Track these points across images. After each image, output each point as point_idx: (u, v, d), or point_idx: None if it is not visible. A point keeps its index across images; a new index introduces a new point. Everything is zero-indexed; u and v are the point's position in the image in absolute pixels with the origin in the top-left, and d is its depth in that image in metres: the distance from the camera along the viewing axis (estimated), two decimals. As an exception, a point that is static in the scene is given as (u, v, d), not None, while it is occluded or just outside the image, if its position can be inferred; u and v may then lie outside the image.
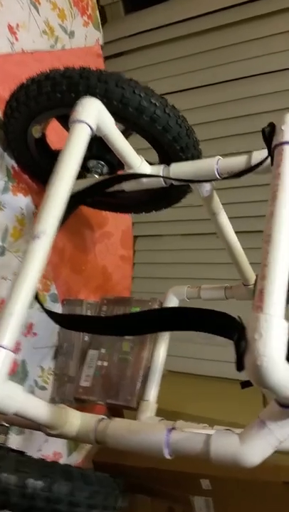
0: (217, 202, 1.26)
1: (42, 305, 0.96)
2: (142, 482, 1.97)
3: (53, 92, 1.14)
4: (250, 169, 1.04)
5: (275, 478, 1.75)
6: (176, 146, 1.22)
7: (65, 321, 1.02)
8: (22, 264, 0.86)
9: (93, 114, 1.03)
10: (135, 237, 2.39)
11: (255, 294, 0.67)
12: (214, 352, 2.09)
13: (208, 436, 0.75)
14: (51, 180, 0.94)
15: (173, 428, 0.79)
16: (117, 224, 2.04)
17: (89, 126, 1.01)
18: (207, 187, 1.20)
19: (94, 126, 1.03)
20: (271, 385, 0.61)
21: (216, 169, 1.13)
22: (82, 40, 1.73)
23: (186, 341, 2.20)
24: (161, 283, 1.87)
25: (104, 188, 1.27)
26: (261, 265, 0.69)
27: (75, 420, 0.88)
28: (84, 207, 1.72)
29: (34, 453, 1.54)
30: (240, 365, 0.63)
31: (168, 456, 0.77)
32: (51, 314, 0.93)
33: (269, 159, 0.93)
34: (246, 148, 1.14)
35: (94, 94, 1.09)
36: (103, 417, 0.88)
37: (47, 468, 0.92)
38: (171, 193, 1.42)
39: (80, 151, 0.99)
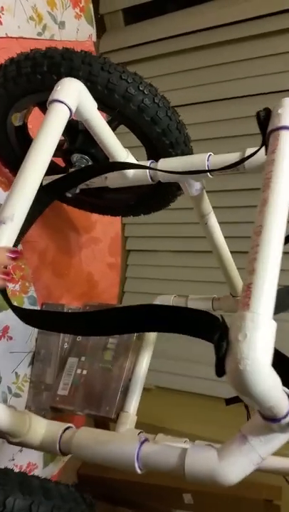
0: (207, 203, 1.18)
1: (4, 297, 0.87)
2: (126, 495, 1.91)
3: (33, 74, 1.06)
4: (242, 160, 0.95)
5: (257, 496, 1.70)
6: (165, 141, 1.14)
7: (28, 317, 0.91)
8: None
9: (73, 94, 0.95)
10: (128, 251, 2.35)
11: (242, 291, 0.59)
12: (203, 370, 2.05)
13: (184, 450, 0.68)
14: (23, 164, 0.86)
15: (145, 440, 0.72)
16: (105, 230, 1.96)
17: (68, 107, 0.93)
18: (197, 186, 1.12)
19: (73, 108, 0.94)
20: (254, 394, 0.52)
21: (207, 165, 1.04)
22: (74, 33, 1.66)
23: (175, 358, 2.15)
24: (152, 299, 1.82)
25: (82, 180, 1.17)
26: (249, 258, 0.60)
27: (39, 428, 0.81)
28: (71, 209, 1.64)
29: (5, 462, 1.45)
30: (220, 370, 0.55)
31: (138, 471, 0.70)
32: (14, 308, 0.83)
33: (263, 150, 0.84)
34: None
35: (77, 77, 1.01)
36: (70, 425, 0.81)
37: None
38: (160, 194, 1.34)
39: (56, 134, 0.91)
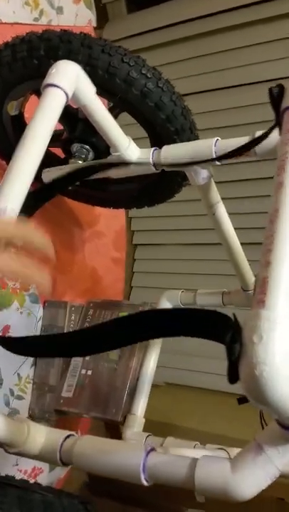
0: (215, 192, 1.11)
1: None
2: (138, 495, 1.86)
3: (30, 58, 1.00)
4: (253, 142, 0.88)
5: (269, 494, 1.65)
6: (169, 128, 1.08)
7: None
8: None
9: (69, 78, 0.88)
10: (135, 245, 2.29)
11: (256, 286, 0.52)
12: (214, 365, 1.99)
13: (194, 460, 0.62)
14: (16, 153, 0.80)
15: (152, 449, 0.66)
16: (109, 224, 1.90)
17: (64, 91, 0.86)
18: (204, 174, 1.05)
19: (69, 93, 0.87)
20: (271, 402, 0.46)
21: (214, 152, 0.98)
22: (72, 19, 1.59)
23: (185, 354, 2.09)
24: (159, 293, 1.77)
25: (84, 177, 1.12)
26: (263, 249, 0.54)
27: (39, 437, 0.75)
28: (73, 202, 1.58)
29: (9, 468, 1.39)
30: (233, 376, 0.49)
31: (145, 483, 0.64)
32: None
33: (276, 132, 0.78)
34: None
35: (76, 61, 0.94)
36: (71, 433, 0.75)
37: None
38: (165, 184, 1.27)
39: (52, 120, 0.84)
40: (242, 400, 1.22)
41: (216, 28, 2.01)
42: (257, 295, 0.50)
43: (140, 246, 2.35)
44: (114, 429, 1.87)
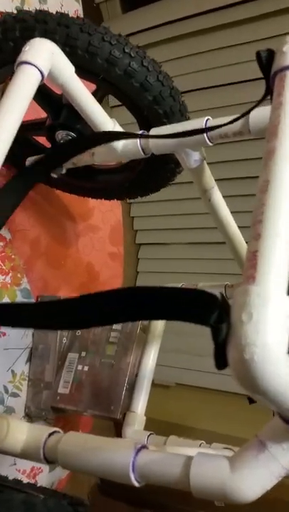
0: (209, 176, 1.06)
1: None
2: (152, 497, 1.82)
3: (4, 40, 0.95)
4: (245, 114, 0.83)
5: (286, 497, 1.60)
6: (158, 110, 1.03)
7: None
8: None
9: (43, 55, 0.83)
10: (138, 244, 2.26)
11: (245, 261, 0.47)
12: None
13: (189, 459, 0.56)
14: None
15: (143, 447, 0.61)
16: (104, 218, 1.86)
17: (38, 69, 0.81)
18: (195, 156, 1.00)
19: (44, 71, 0.83)
20: (266, 390, 0.41)
21: (206, 132, 0.93)
22: (57, 9, 1.54)
23: (195, 354, 2.07)
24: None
25: (66, 157, 1.07)
26: (253, 221, 0.49)
27: (19, 433, 0.71)
28: (64, 195, 1.54)
29: (6, 468, 1.35)
30: (220, 360, 0.44)
31: (135, 483, 0.59)
32: None
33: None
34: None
35: (53, 41, 0.89)
36: (56, 429, 0.70)
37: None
38: (156, 172, 1.23)
39: (25, 100, 0.79)
40: (252, 399, 1.18)
41: (213, 26, 1.98)
42: (246, 270, 0.46)
43: (144, 245, 2.33)
44: (119, 428, 1.83)
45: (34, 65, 0.81)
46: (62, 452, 0.65)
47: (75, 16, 1.65)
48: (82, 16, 1.72)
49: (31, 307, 0.64)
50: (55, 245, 1.57)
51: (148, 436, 1.22)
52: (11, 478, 0.93)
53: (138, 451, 0.60)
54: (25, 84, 0.79)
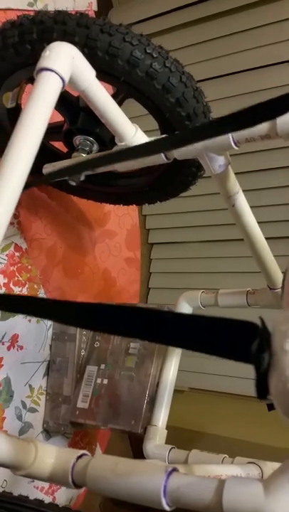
0: (233, 181, 1.01)
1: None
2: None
3: (22, 43, 0.90)
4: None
5: None
6: (180, 112, 0.98)
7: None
8: None
9: (64, 60, 0.78)
10: (150, 244, 2.21)
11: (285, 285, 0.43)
12: (239, 369, 1.91)
13: (221, 482, 0.53)
14: (8, 147, 0.71)
15: (173, 470, 0.57)
16: (120, 222, 1.81)
17: (59, 76, 0.76)
18: (220, 161, 0.95)
19: (65, 77, 0.78)
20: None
21: (232, 136, 0.88)
22: (70, 3, 1.50)
23: (209, 357, 2.02)
24: (179, 293, 1.67)
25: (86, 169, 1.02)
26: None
27: (48, 458, 0.67)
28: (79, 200, 1.49)
29: (24, 485, 1.31)
30: (262, 390, 0.41)
31: (167, 508, 0.56)
32: None
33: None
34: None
35: (72, 43, 0.84)
36: (84, 452, 0.66)
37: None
38: (177, 176, 1.18)
39: (47, 110, 0.74)
40: (272, 406, 1.14)
41: (229, 9, 1.91)
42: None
43: (156, 245, 2.27)
44: (138, 440, 1.79)
45: (55, 72, 0.76)
46: (91, 477, 0.61)
47: (90, 8, 1.63)
48: (96, 7, 1.68)
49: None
50: (72, 253, 1.52)
51: (170, 450, 1.18)
52: (29, 495, 0.90)
53: (169, 474, 0.56)
54: (46, 92, 0.74)
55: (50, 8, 1.41)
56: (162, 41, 0.98)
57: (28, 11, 1.33)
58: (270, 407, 1.15)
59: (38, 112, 0.73)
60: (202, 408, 2.01)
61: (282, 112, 0.68)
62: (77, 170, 1.02)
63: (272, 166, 1.86)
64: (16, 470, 0.67)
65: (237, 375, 1.97)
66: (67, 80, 0.79)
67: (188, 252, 2.22)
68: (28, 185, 0.70)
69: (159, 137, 0.95)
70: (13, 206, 0.67)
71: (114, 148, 1.00)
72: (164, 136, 1.02)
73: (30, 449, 0.66)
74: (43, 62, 0.77)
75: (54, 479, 0.66)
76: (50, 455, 0.67)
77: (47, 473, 0.66)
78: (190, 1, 1.95)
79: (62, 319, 0.65)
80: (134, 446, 1.90)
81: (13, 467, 0.67)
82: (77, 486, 0.64)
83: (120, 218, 1.82)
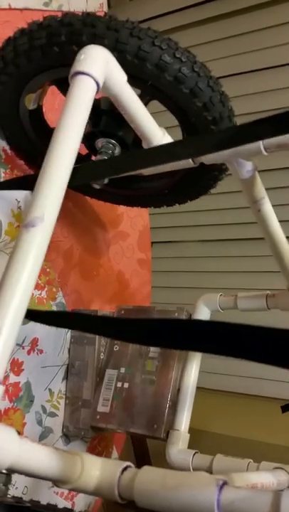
0: (260, 186, 1.01)
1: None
2: None
3: (49, 45, 0.89)
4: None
5: None
6: (206, 116, 0.97)
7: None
8: (10, 263, 0.62)
9: (99, 64, 0.78)
10: (152, 243, 2.21)
11: None
12: (246, 368, 1.91)
13: (277, 496, 0.52)
14: (49, 153, 0.70)
15: (224, 483, 0.56)
16: (133, 223, 1.80)
17: (94, 80, 0.76)
18: (248, 166, 0.95)
19: (100, 81, 0.77)
20: None
21: (262, 142, 0.87)
22: (83, 3, 1.49)
23: (215, 356, 2.01)
24: (180, 292, 1.67)
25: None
26: None
27: (94, 471, 0.65)
28: (94, 201, 1.48)
29: (45, 491, 1.30)
30: None
31: None
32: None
33: None
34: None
35: (102, 46, 0.84)
36: (128, 464, 0.65)
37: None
38: (200, 179, 1.17)
39: (85, 114, 0.74)
40: (286, 407, 1.13)
41: (229, 11, 1.91)
42: None
43: (158, 244, 2.26)
44: (140, 441, 1.79)
45: (90, 75, 0.75)
46: (140, 491, 0.60)
47: (101, 9, 1.62)
48: (107, 8, 1.67)
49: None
50: (88, 255, 1.52)
51: (193, 455, 1.17)
52: (50, 501, 0.89)
53: (220, 488, 0.55)
54: (83, 97, 0.74)
55: (65, 8, 1.39)
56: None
57: (44, 10, 1.32)
58: (284, 408, 1.14)
59: (76, 116, 0.73)
60: (210, 407, 2.00)
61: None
62: (106, 173, 1.01)
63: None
64: (62, 484, 0.65)
65: (243, 375, 1.97)
66: (101, 84, 0.78)
67: (190, 251, 2.22)
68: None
69: (188, 139, 0.95)
70: (55, 214, 0.66)
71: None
72: (193, 138, 1.00)
73: (77, 462, 0.65)
74: (79, 66, 0.76)
75: (100, 493, 0.65)
76: (96, 467, 0.65)
77: (93, 486, 0.64)
78: (184, 5, 1.95)
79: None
80: (137, 447, 1.90)
81: (59, 481, 0.65)
82: (123, 499, 0.63)
83: (132, 219, 1.81)
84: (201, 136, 0.94)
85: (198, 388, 2.04)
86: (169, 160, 0.89)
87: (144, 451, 1.84)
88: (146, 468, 0.63)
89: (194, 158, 0.93)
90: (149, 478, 0.61)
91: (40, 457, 0.62)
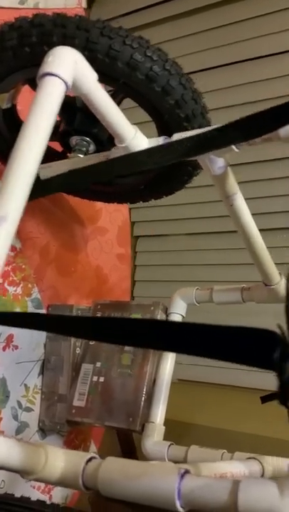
0: (232, 182, 1.02)
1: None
2: None
3: (20, 46, 0.90)
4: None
5: None
6: (179, 114, 0.98)
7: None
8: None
9: (67, 65, 0.78)
10: (136, 237, 2.21)
11: None
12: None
13: (235, 484, 0.53)
14: (14, 153, 0.70)
15: (186, 472, 0.58)
16: (112, 219, 1.81)
17: (62, 80, 0.76)
18: (220, 163, 0.96)
19: (69, 81, 0.78)
20: None
21: (231, 138, 0.88)
22: (61, 0, 1.49)
23: None
24: (164, 286, 1.67)
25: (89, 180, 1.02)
26: None
27: (58, 462, 0.67)
28: (72, 198, 1.49)
29: (22, 485, 1.31)
30: (284, 397, 0.43)
31: (181, 510, 0.56)
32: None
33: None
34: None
35: (73, 46, 0.84)
36: (92, 455, 0.67)
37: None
38: (174, 175, 1.18)
39: (52, 114, 0.74)
40: (265, 398, 1.15)
41: (215, 1, 1.91)
42: None
43: (141, 238, 2.27)
44: (126, 435, 1.80)
45: (58, 76, 0.75)
46: (103, 480, 0.62)
47: (79, 6, 1.62)
48: (85, 4, 1.67)
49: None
50: (65, 251, 1.52)
51: (168, 446, 1.19)
52: (27, 495, 0.90)
53: (182, 477, 0.57)
54: (50, 97, 0.74)
55: (42, 5, 1.40)
56: (149, 33, 0.98)
57: (19, 9, 1.32)
58: (264, 399, 1.16)
59: (43, 117, 0.73)
60: (192, 399, 2.02)
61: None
62: (83, 179, 1.01)
63: (268, 158, 1.86)
64: (27, 475, 0.67)
65: (226, 366, 1.98)
66: (70, 84, 0.79)
67: (174, 244, 2.21)
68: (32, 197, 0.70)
69: (161, 145, 0.95)
70: (20, 212, 0.66)
71: (113, 150, 1.00)
72: (167, 143, 1.01)
73: (41, 454, 0.67)
74: (47, 67, 0.77)
75: (64, 483, 0.67)
76: (60, 458, 0.67)
77: (57, 477, 0.66)
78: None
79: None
80: (122, 441, 1.91)
81: (24, 472, 0.67)
82: (88, 489, 0.64)
83: (111, 215, 1.82)
84: (171, 145, 0.94)
85: (182, 381, 2.07)
86: (140, 168, 0.90)
87: (131, 445, 1.85)
88: (110, 459, 0.65)
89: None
90: (113, 468, 0.63)
91: (3, 449, 0.64)
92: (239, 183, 1.05)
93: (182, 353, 0.50)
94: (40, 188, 1.02)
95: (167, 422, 1.27)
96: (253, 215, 1.10)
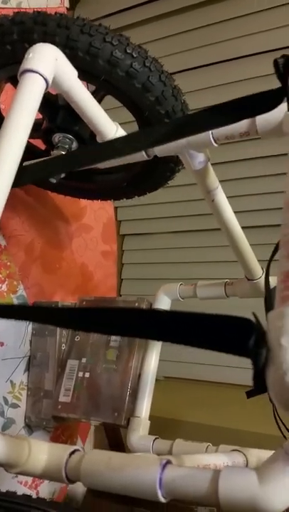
0: (213, 177, 1.03)
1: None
2: None
3: (1, 44, 0.91)
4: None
5: None
6: (159, 110, 0.99)
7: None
8: None
9: (48, 62, 0.79)
10: (122, 236, 2.22)
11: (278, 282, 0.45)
12: (213, 356, 1.92)
13: (216, 473, 0.54)
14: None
15: (168, 462, 0.58)
16: (96, 216, 1.82)
17: (42, 77, 0.77)
18: (200, 158, 0.97)
19: (49, 78, 0.79)
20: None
21: (211, 133, 0.90)
22: (44, 0, 1.50)
23: (183, 346, 2.03)
24: (151, 284, 1.68)
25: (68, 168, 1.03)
26: (284, 240, 0.47)
27: (41, 454, 0.68)
28: (56, 196, 1.50)
29: (9, 480, 1.32)
30: (260, 384, 0.43)
31: (163, 500, 0.57)
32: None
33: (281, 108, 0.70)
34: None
35: (53, 44, 0.85)
36: (76, 448, 0.68)
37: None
38: (156, 172, 1.19)
39: (32, 111, 0.76)
40: (251, 393, 1.16)
41: (196, 2, 1.92)
42: (282, 291, 0.44)
43: (128, 236, 2.27)
44: (114, 430, 1.81)
45: (39, 73, 0.77)
46: (86, 472, 0.63)
47: (62, 5, 1.62)
48: (68, 4, 1.67)
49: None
50: (50, 249, 1.53)
51: (154, 440, 1.20)
52: (13, 490, 0.91)
53: (164, 467, 0.57)
54: (31, 94, 0.75)
55: (24, 5, 1.40)
56: (133, 33, 0.99)
57: (1, 8, 1.33)
58: (249, 394, 1.17)
59: (23, 113, 0.74)
60: (178, 396, 2.03)
61: (266, 110, 0.70)
62: (60, 168, 1.02)
63: (250, 156, 1.88)
64: (10, 468, 0.68)
65: (211, 363, 1.99)
66: (50, 81, 0.80)
67: (160, 242, 2.22)
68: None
69: (137, 132, 0.96)
70: (2, 205, 0.67)
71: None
72: (143, 131, 1.02)
73: (24, 447, 0.68)
74: (27, 64, 0.78)
75: (48, 475, 0.68)
76: (43, 451, 0.68)
77: (40, 469, 0.67)
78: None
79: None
80: (110, 437, 1.92)
81: (7, 465, 0.67)
82: (71, 481, 0.65)
83: (96, 212, 1.83)
84: (148, 130, 0.95)
85: (168, 378, 2.08)
86: (118, 155, 0.91)
87: (118, 440, 1.86)
88: (94, 451, 0.65)
89: (146, 150, 0.95)
90: (95, 460, 0.63)
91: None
92: (222, 181, 1.07)
93: (162, 340, 0.52)
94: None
95: (153, 419, 1.28)
96: (236, 213, 1.12)
